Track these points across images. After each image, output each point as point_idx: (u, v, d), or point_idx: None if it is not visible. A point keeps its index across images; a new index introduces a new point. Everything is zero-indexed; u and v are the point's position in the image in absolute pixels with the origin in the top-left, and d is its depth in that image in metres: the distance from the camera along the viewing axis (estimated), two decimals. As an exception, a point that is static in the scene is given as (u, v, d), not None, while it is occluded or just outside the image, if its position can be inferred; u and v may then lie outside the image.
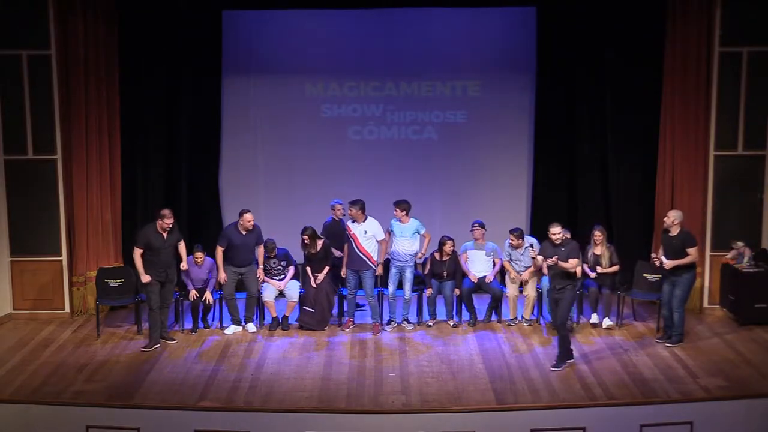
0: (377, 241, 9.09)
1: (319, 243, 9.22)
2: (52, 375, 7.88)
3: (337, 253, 9.38)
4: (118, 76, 9.83)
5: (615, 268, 9.23)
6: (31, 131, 9.48)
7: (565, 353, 7.98)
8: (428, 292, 9.41)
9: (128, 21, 9.86)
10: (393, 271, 9.25)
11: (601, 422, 7.05)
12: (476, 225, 9.47)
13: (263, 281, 9.27)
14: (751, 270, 9.27)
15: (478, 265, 9.46)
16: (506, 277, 9.55)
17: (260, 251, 9.20)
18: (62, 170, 9.59)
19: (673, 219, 8.49)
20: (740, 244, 9.47)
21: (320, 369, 8.00)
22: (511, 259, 9.41)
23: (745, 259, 9.37)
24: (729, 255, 9.57)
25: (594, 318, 9.25)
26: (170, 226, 8.60)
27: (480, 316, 9.50)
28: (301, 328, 9.22)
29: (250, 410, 7.09)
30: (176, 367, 8.08)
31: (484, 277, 9.40)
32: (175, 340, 8.86)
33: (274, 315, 9.30)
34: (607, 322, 9.19)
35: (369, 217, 9.10)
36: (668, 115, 9.77)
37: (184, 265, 8.85)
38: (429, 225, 9.57)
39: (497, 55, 10.71)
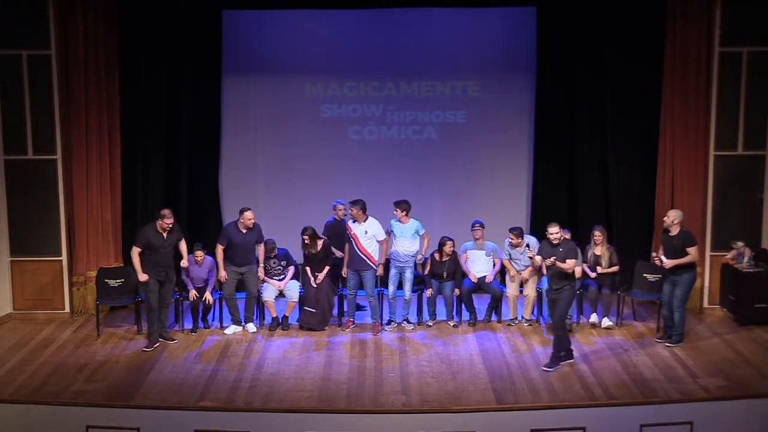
0: (378, 241, 9.09)
1: (320, 243, 9.22)
2: (52, 375, 7.88)
3: (338, 253, 9.39)
4: (118, 76, 9.83)
5: (615, 268, 9.23)
6: (31, 131, 9.47)
7: (559, 354, 7.98)
8: (428, 292, 9.41)
9: (128, 21, 9.86)
10: (393, 271, 9.25)
11: (601, 422, 7.05)
12: (477, 225, 9.47)
13: (263, 281, 9.27)
14: (751, 270, 9.27)
15: (478, 265, 9.46)
16: (506, 277, 9.55)
17: (261, 250, 9.20)
18: (62, 170, 9.59)
19: (673, 219, 8.49)
20: (740, 244, 9.47)
21: (320, 369, 8.00)
22: (510, 258, 9.41)
23: (745, 259, 9.37)
24: (729, 255, 9.57)
25: (594, 318, 9.26)
26: (170, 226, 8.60)
27: (480, 316, 9.50)
28: (301, 328, 9.22)
29: (250, 410, 7.10)
30: (176, 367, 8.08)
31: (484, 277, 9.40)
32: (175, 340, 8.86)
33: (274, 315, 9.30)
34: (606, 321, 9.19)
35: (370, 217, 9.10)
36: (668, 115, 9.77)
37: (184, 262, 8.85)
38: (429, 225, 9.58)
39: (497, 55, 10.71)
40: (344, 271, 9.26)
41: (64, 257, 9.73)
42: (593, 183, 10.66)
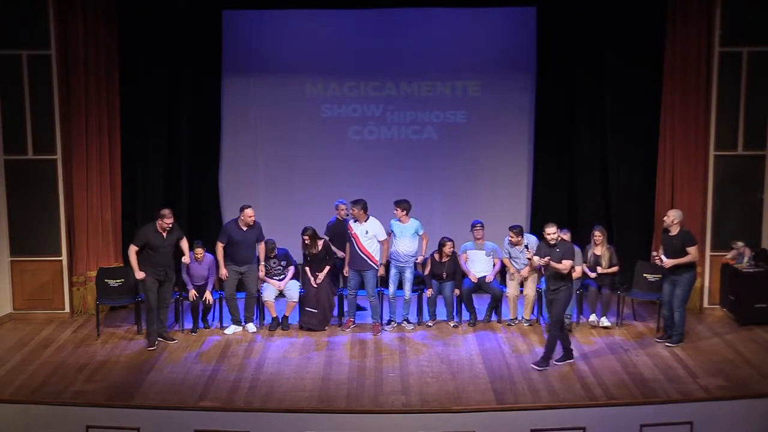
0: (379, 241, 9.09)
1: (320, 243, 9.22)
2: (52, 375, 7.88)
3: (339, 253, 9.39)
4: (118, 76, 9.83)
5: (614, 268, 9.23)
6: (31, 131, 9.47)
7: (550, 355, 7.96)
8: (428, 292, 9.41)
9: (128, 21, 9.86)
10: (393, 271, 9.25)
11: (601, 422, 7.05)
12: (478, 225, 9.47)
13: (263, 281, 9.27)
14: (751, 270, 9.27)
15: (478, 265, 9.46)
16: (507, 276, 9.55)
17: (261, 248, 9.19)
18: (62, 170, 9.59)
19: (672, 218, 8.49)
20: (740, 244, 9.47)
21: (320, 369, 8.00)
22: (510, 257, 9.41)
23: (745, 259, 9.37)
24: (729, 255, 9.57)
25: (593, 318, 9.26)
26: (170, 226, 8.60)
27: (480, 316, 9.50)
28: (301, 328, 9.21)
29: (250, 410, 7.09)
30: (176, 367, 8.08)
31: (484, 277, 9.40)
32: (175, 340, 8.86)
33: (274, 315, 9.30)
34: (604, 321, 9.19)
35: (371, 217, 9.10)
36: (668, 115, 9.77)
37: (186, 259, 8.84)
38: (429, 225, 9.59)
39: (497, 55, 10.71)
40: (345, 271, 9.26)
41: (64, 257, 9.73)
42: (593, 183, 10.66)
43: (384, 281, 9.42)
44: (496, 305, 9.52)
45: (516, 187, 10.93)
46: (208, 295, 9.07)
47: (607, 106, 10.36)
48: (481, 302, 9.66)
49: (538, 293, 9.28)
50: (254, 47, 10.65)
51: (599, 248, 9.25)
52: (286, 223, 10.05)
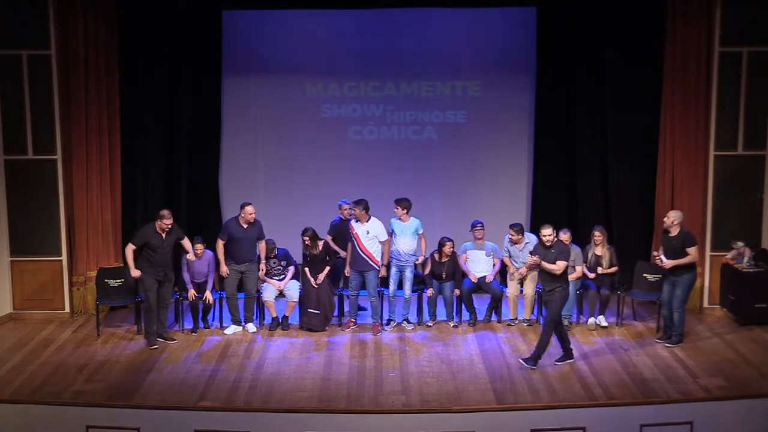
0: (380, 242, 9.09)
1: (320, 244, 9.22)
2: (52, 375, 7.88)
3: (342, 253, 9.39)
4: (118, 76, 9.83)
5: (614, 269, 9.23)
6: (31, 131, 9.48)
7: (541, 354, 7.95)
8: (429, 292, 9.40)
9: (128, 21, 9.86)
10: (393, 270, 9.25)
11: (601, 422, 7.05)
12: (478, 225, 9.47)
13: (263, 281, 9.27)
14: (751, 270, 9.27)
15: (478, 265, 9.46)
16: (507, 276, 9.55)
17: (262, 247, 9.19)
18: (62, 170, 9.59)
19: (672, 219, 8.49)
20: (740, 244, 9.47)
21: (320, 369, 8.00)
22: (510, 256, 9.40)
23: (745, 259, 9.37)
24: (729, 255, 9.57)
25: (591, 321, 9.24)
26: (169, 226, 8.60)
27: (480, 317, 9.50)
28: (301, 328, 9.21)
29: (250, 410, 7.09)
30: (176, 367, 8.08)
31: (484, 277, 9.40)
32: (175, 340, 8.86)
33: (274, 315, 9.30)
34: (602, 320, 9.19)
35: (372, 218, 9.10)
36: (668, 115, 9.77)
37: (191, 256, 8.85)
38: (429, 225, 9.59)
39: (497, 55, 10.71)
40: (347, 271, 9.26)
41: (64, 257, 9.73)
42: (593, 183, 10.66)
43: (384, 281, 9.42)
44: (496, 305, 9.51)
45: (516, 187, 10.93)
46: (208, 295, 9.07)
47: (607, 106, 10.36)
48: (481, 302, 9.66)
49: (538, 293, 9.28)
50: (254, 47, 10.65)
51: (599, 248, 9.25)
52: (286, 223, 10.05)
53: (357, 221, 9.10)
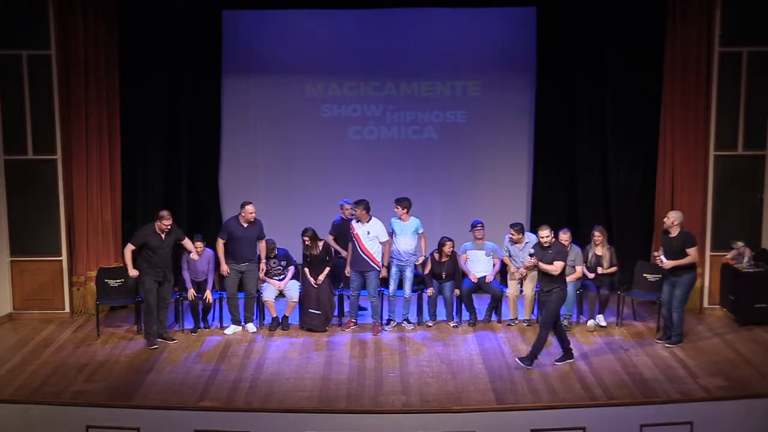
0: (380, 242, 9.08)
1: (320, 244, 9.22)
2: (52, 375, 7.88)
3: (344, 253, 9.39)
4: (118, 76, 9.83)
5: (613, 269, 9.23)
6: (31, 131, 9.48)
7: (537, 354, 7.95)
8: (429, 291, 9.40)
9: (128, 21, 9.86)
10: (394, 269, 9.25)
11: (601, 422, 7.05)
12: (478, 225, 9.46)
13: (263, 281, 9.27)
14: (751, 270, 9.27)
15: (478, 265, 9.46)
16: (507, 276, 9.54)
17: (262, 246, 9.19)
18: (62, 170, 9.59)
19: (672, 220, 8.49)
20: (740, 244, 9.47)
21: (320, 369, 8.00)
22: (510, 255, 9.40)
23: (745, 259, 9.37)
24: (729, 255, 9.57)
25: (591, 323, 9.23)
26: (168, 227, 8.60)
27: (480, 316, 9.50)
28: (301, 328, 9.21)
29: (250, 410, 7.09)
30: (176, 367, 8.08)
31: (484, 277, 9.39)
32: (175, 340, 8.85)
33: (274, 315, 9.30)
34: (601, 319, 9.19)
35: (373, 218, 9.09)
36: (668, 115, 9.77)
37: (194, 255, 8.86)
38: (429, 225, 9.59)
39: (497, 55, 10.71)
40: (347, 271, 9.25)
41: (64, 257, 9.73)
42: (593, 183, 10.66)
43: (384, 280, 9.41)
44: (496, 305, 9.51)
45: (516, 187, 10.93)
46: (208, 294, 9.07)
47: (607, 106, 10.36)
48: (481, 302, 9.66)
49: (538, 294, 9.27)
50: (254, 47, 10.65)
51: (599, 248, 9.25)
52: (286, 223, 10.05)
53: (358, 222, 9.09)
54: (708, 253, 9.75)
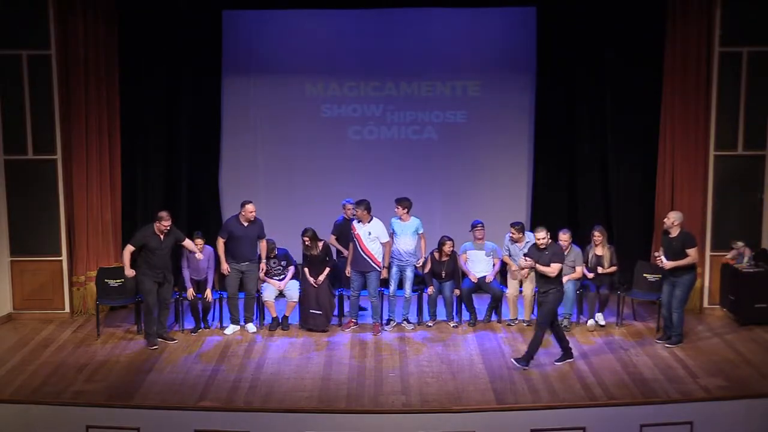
0: (381, 243, 9.08)
1: (320, 244, 9.22)
2: (52, 375, 7.88)
3: (345, 252, 9.39)
4: (118, 76, 9.83)
5: (613, 268, 9.23)
6: (31, 131, 9.48)
7: (533, 354, 7.94)
8: (430, 290, 9.39)
9: (128, 21, 9.86)
10: (394, 269, 9.24)
11: (601, 422, 7.05)
12: (479, 225, 9.46)
13: (263, 281, 9.27)
14: (751, 270, 9.27)
15: (478, 265, 9.45)
16: (507, 276, 9.54)
17: (263, 245, 9.19)
18: (62, 170, 9.59)
19: (673, 220, 8.49)
20: (740, 244, 9.47)
21: (320, 369, 8.00)
22: (510, 255, 9.39)
23: (745, 259, 9.37)
24: (729, 255, 9.57)
25: (591, 323, 9.23)
26: (167, 228, 8.59)
27: (480, 316, 9.50)
28: (302, 327, 9.21)
29: (250, 410, 7.09)
30: (176, 367, 8.08)
31: (484, 277, 9.39)
32: (175, 340, 8.85)
33: (274, 315, 9.30)
34: (600, 319, 9.19)
35: (374, 218, 9.09)
36: (668, 115, 9.77)
37: (199, 255, 8.87)
38: (429, 225, 9.59)
39: (497, 55, 10.71)
40: (348, 270, 9.25)
41: (64, 257, 9.72)
42: (593, 183, 10.66)
43: (385, 281, 9.41)
44: (496, 305, 9.51)
45: (516, 187, 10.93)
46: (208, 293, 9.07)
47: (607, 106, 10.36)
48: (481, 302, 9.66)
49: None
50: (254, 47, 10.65)
51: (599, 248, 9.24)
52: (286, 223, 10.05)
53: (359, 222, 9.09)
54: (708, 253, 9.75)
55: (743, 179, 9.66)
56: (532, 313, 9.37)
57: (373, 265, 9.06)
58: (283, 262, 9.35)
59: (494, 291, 9.40)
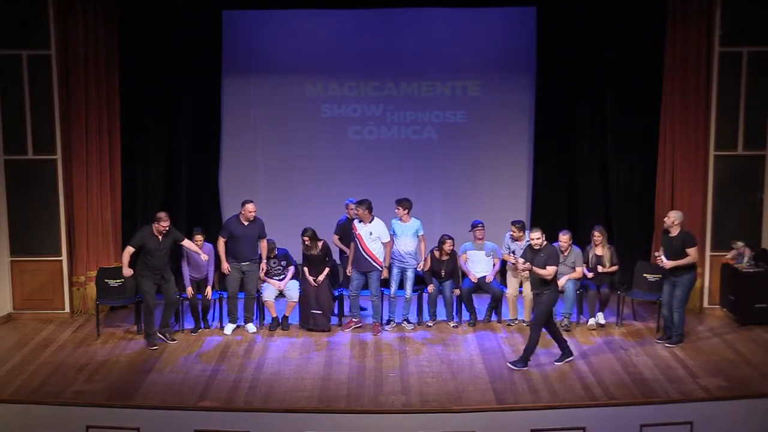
0: (382, 243, 9.08)
1: (320, 244, 9.22)
2: (52, 375, 7.87)
3: (348, 252, 9.39)
4: (118, 76, 9.83)
5: (614, 268, 9.23)
6: (31, 131, 9.48)
7: (529, 356, 7.94)
8: (430, 288, 9.38)
9: (128, 21, 9.86)
10: (395, 270, 9.24)
11: (601, 422, 7.05)
12: (479, 225, 9.46)
13: (264, 280, 9.27)
14: (751, 270, 9.27)
15: (478, 265, 9.45)
16: (507, 276, 9.54)
17: (263, 245, 9.19)
18: (62, 170, 9.59)
19: (673, 220, 8.49)
20: (740, 244, 9.47)
21: (320, 369, 8.00)
22: (510, 253, 9.37)
23: (745, 259, 9.37)
24: (729, 255, 9.57)
25: (592, 321, 9.23)
26: (166, 229, 8.59)
27: (480, 316, 9.49)
28: (301, 327, 9.21)
29: (250, 410, 7.09)
30: (176, 367, 8.08)
31: (484, 277, 9.39)
32: (175, 340, 8.85)
33: (274, 315, 9.30)
34: (600, 318, 9.19)
35: (376, 218, 9.08)
36: (668, 115, 9.77)
37: (204, 256, 8.86)
38: (429, 225, 9.59)
39: (497, 55, 10.71)
40: (348, 270, 9.25)
41: (64, 257, 9.72)
42: (593, 183, 10.66)
43: (385, 280, 9.40)
44: (496, 305, 9.51)
45: (516, 187, 10.93)
46: (208, 291, 9.07)
47: (607, 106, 10.36)
48: (481, 302, 9.66)
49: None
50: (254, 47, 10.65)
51: (599, 248, 9.24)
52: (286, 223, 10.05)
53: (360, 222, 9.09)
54: (708, 253, 9.75)
55: (743, 179, 9.66)
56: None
57: (375, 264, 9.06)
58: (283, 262, 9.35)
59: (494, 291, 9.40)
